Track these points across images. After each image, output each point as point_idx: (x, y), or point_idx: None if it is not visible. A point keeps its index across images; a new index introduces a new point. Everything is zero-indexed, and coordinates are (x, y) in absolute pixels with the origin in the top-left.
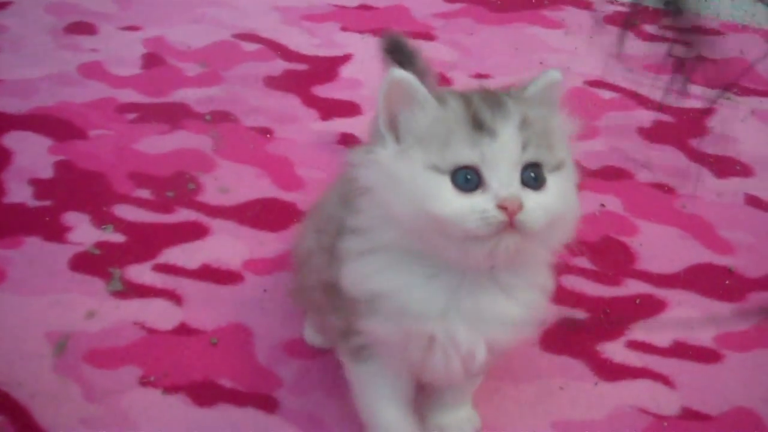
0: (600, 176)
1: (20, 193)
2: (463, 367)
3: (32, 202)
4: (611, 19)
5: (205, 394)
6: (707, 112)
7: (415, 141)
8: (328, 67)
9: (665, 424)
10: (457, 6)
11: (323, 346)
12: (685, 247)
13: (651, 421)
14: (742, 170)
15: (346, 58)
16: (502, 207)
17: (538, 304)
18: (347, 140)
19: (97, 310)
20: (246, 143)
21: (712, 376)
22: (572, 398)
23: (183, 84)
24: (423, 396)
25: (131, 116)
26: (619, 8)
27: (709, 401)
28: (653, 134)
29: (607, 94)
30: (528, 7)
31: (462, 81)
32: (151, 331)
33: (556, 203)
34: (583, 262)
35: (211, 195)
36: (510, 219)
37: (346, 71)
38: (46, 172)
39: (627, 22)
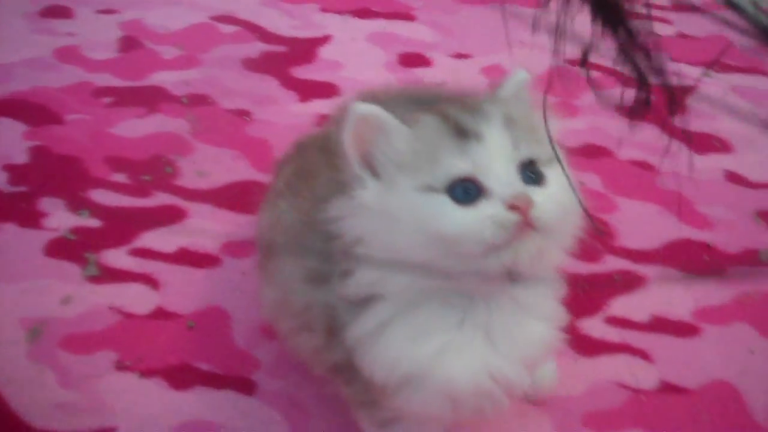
0: (580, 154)
1: None
2: (509, 397)
3: (7, 188)
4: None
5: (181, 377)
6: (688, 89)
7: (398, 169)
8: (306, 49)
9: (643, 398)
10: None
11: None
12: (664, 223)
13: (629, 396)
14: (722, 147)
15: (325, 39)
16: (512, 207)
17: (559, 313)
18: (325, 121)
19: (72, 296)
20: (224, 126)
21: (690, 350)
22: None
23: (160, 67)
24: None
25: (107, 100)
26: None
27: (686, 375)
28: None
29: (584, 71)
30: None
31: (442, 61)
32: (128, 316)
33: (562, 194)
34: None
35: (188, 178)
36: (525, 217)
37: (325, 52)
38: (21, 158)
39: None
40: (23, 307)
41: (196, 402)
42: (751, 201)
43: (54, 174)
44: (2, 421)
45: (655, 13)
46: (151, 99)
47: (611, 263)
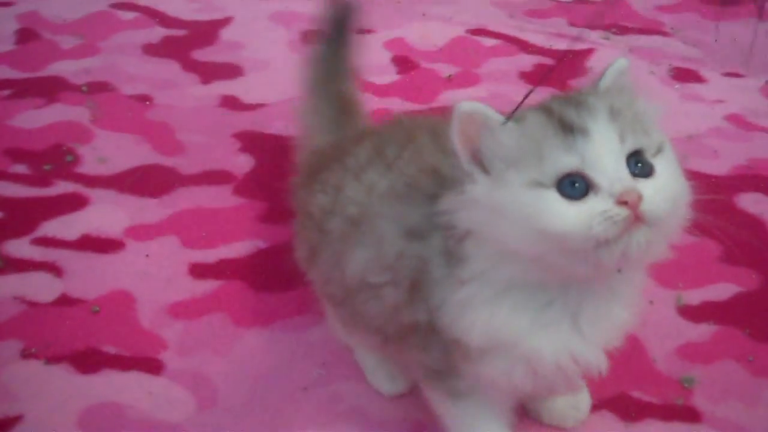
0: None
1: None
2: (582, 377)
3: None
4: None
5: (88, 361)
6: (587, 52)
7: (506, 165)
8: (208, 31)
9: None
10: None
11: (402, 389)
12: None
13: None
14: None
15: (226, 21)
16: (621, 202)
17: (638, 299)
18: (229, 102)
19: None
20: (125, 112)
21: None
22: None
23: (59, 57)
24: None
25: (5, 93)
26: None
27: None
28: (534, 77)
29: (489, 42)
30: None
31: None
32: (32, 304)
33: (672, 186)
34: None
35: (89, 165)
36: (634, 212)
37: (226, 34)
38: None
39: None
40: None
41: (103, 385)
42: None
43: None
44: None
45: None
46: (50, 89)
47: None
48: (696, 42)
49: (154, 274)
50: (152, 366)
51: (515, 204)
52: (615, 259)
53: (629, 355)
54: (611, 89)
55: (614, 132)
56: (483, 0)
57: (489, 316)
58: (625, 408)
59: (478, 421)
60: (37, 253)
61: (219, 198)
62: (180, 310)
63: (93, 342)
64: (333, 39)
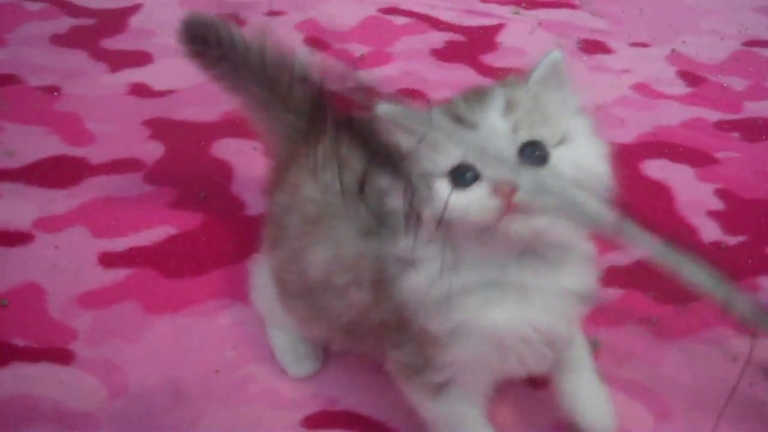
0: None
1: None
2: (550, 349)
3: None
4: None
5: None
6: (497, 27)
7: (415, 156)
8: (116, 19)
9: None
10: None
11: (311, 372)
12: None
13: None
14: None
15: (135, 9)
16: (495, 191)
17: (590, 272)
18: (138, 90)
19: None
20: (32, 104)
21: None
22: None
23: None
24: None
25: None
26: None
27: None
28: (446, 54)
29: (401, 20)
30: None
31: (257, 20)
32: None
33: (564, 175)
34: None
35: None
36: (508, 201)
37: (135, 21)
38: None
39: None
40: None
41: (13, 378)
42: None
43: None
44: None
45: None
46: None
47: None
48: (603, 14)
49: (63, 266)
50: (62, 356)
51: (420, 192)
52: (501, 242)
53: None
54: (537, 80)
55: (506, 124)
56: None
57: (439, 300)
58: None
59: (460, 417)
60: None
61: (129, 186)
62: (90, 300)
63: (1, 335)
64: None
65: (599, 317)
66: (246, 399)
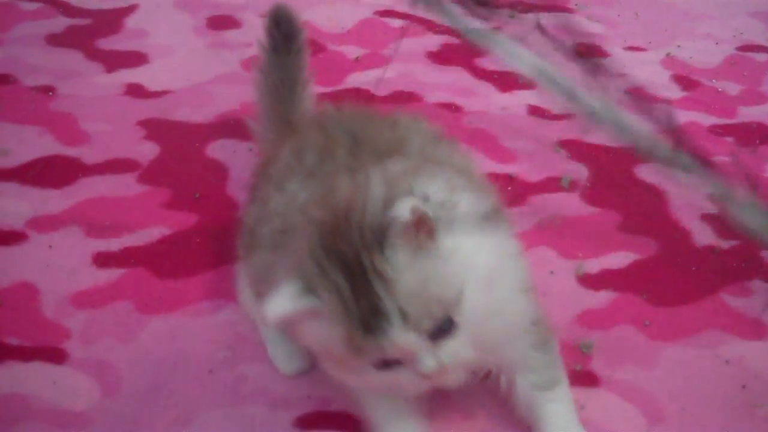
0: (390, 101)
1: None
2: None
3: None
4: None
5: None
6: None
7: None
8: (112, 20)
9: None
10: None
11: (301, 369)
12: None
13: None
14: (525, 83)
15: (131, 9)
16: (425, 377)
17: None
18: (133, 90)
19: None
20: (27, 103)
21: None
22: None
23: None
24: None
25: None
26: None
27: None
28: (441, 57)
29: (396, 23)
30: None
31: (253, 22)
32: None
33: (474, 333)
34: None
35: None
36: (435, 378)
37: (131, 22)
38: None
39: None
40: None
41: (6, 377)
42: (552, 132)
43: None
44: None
45: None
46: None
47: None
48: (599, 18)
49: (57, 265)
50: (56, 355)
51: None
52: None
53: None
54: (399, 248)
55: (410, 325)
56: None
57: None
58: None
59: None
60: None
61: (123, 186)
62: (84, 300)
63: None
64: (278, 49)
65: (593, 320)
66: (239, 399)
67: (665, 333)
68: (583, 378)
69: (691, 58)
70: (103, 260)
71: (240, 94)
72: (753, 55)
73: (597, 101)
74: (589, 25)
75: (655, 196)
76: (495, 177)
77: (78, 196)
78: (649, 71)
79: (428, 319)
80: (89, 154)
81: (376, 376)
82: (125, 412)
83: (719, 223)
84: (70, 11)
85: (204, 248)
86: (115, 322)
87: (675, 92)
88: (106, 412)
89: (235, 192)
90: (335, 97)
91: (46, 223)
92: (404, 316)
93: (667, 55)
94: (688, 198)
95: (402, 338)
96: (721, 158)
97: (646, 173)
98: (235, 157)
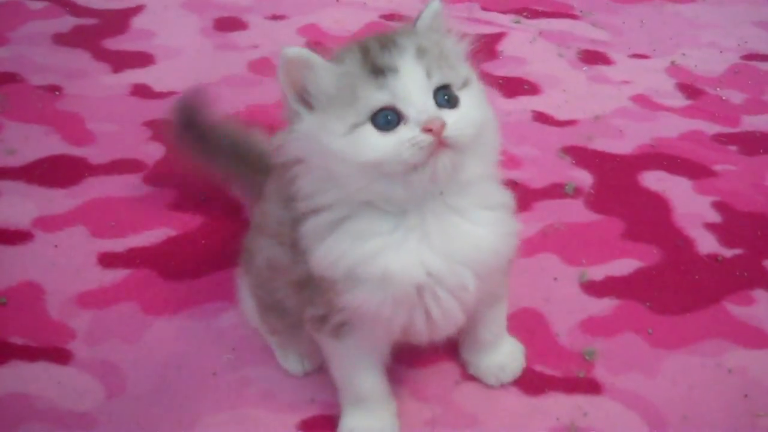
0: None
1: None
2: (459, 305)
3: None
4: None
5: None
6: (498, 36)
7: (328, 102)
8: (119, 20)
9: None
10: None
11: (309, 369)
12: None
13: None
14: (530, 89)
15: (137, 10)
16: (427, 130)
17: (502, 221)
18: (139, 91)
19: None
20: (33, 103)
21: None
22: None
23: None
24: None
25: None
26: None
27: None
28: None
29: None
30: None
31: (258, 23)
32: None
33: (474, 114)
34: None
35: None
36: (438, 138)
37: (138, 22)
38: None
39: None
40: None
41: (11, 376)
42: (556, 138)
43: None
44: None
45: None
46: None
47: None
48: (604, 25)
49: (62, 265)
50: (60, 356)
51: (336, 141)
52: (425, 181)
53: (533, 330)
54: (425, 29)
55: (421, 69)
56: None
57: (333, 244)
58: (529, 382)
59: (355, 360)
60: None
61: (129, 187)
62: (89, 300)
63: (0, 334)
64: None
65: (596, 327)
66: (243, 402)
67: (668, 341)
68: (586, 385)
69: (695, 66)
70: (108, 260)
71: (246, 96)
72: (757, 64)
73: None
74: (594, 32)
75: (659, 203)
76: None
77: (84, 196)
78: (653, 79)
79: (439, 72)
80: (95, 154)
81: (372, 143)
82: (129, 413)
83: (723, 231)
84: (77, 11)
85: (209, 250)
86: (120, 322)
87: (679, 100)
88: (110, 413)
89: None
90: None
91: (51, 223)
92: (420, 52)
93: (672, 63)
94: (691, 206)
95: (413, 71)
96: (724, 167)
97: (650, 181)
98: None
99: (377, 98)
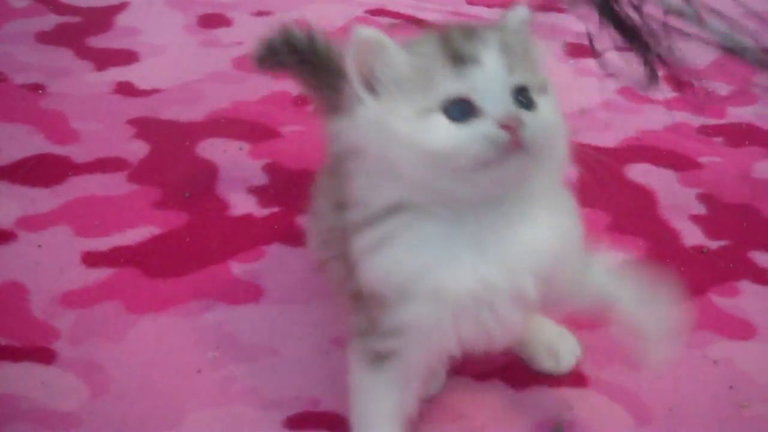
0: None
1: None
2: (520, 314)
3: None
4: None
5: None
6: None
7: (397, 89)
8: (102, 17)
9: None
10: None
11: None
12: None
13: None
14: None
15: (122, 7)
16: (504, 126)
17: (567, 226)
18: (123, 89)
19: None
20: (16, 102)
21: None
22: None
23: None
24: None
25: None
26: None
27: None
28: None
29: (388, 22)
30: None
31: (243, 20)
32: None
33: (551, 120)
34: None
35: None
36: (515, 136)
37: (122, 20)
38: None
39: None
40: None
41: None
42: None
43: None
44: None
45: None
46: None
47: None
48: (590, 17)
49: (46, 264)
50: (44, 356)
51: (403, 126)
52: (491, 182)
53: None
54: (509, 29)
55: (504, 63)
56: None
57: (386, 259)
58: (514, 376)
59: (381, 396)
60: None
61: (113, 185)
62: (73, 299)
63: None
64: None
65: (581, 320)
66: (228, 399)
67: None
68: (572, 378)
69: (681, 58)
70: (92, 259)
71: (231, 93)
72: None
73: None
74: (580, 24)
75: (644, 196)
76: None
77: (67, 195)
78: (639, 72)
79: (520, 71)
80: (79, 153)
81: (443, 132)
82: (114, 412)
83: (708, 223)
84: (61, 9)
85: (194, 248)
86: (105, 321)
87: (664, 92)
88: (94, 413)
89: (225, 191)
90: None
91: (35, 223)
92: (504, 48)
93: (657, 55)
94: (677, 198)
95: (495, 64)
96: (710, 159)
97: (636, 173)
98: (225, 156)
99: (454, 87)
